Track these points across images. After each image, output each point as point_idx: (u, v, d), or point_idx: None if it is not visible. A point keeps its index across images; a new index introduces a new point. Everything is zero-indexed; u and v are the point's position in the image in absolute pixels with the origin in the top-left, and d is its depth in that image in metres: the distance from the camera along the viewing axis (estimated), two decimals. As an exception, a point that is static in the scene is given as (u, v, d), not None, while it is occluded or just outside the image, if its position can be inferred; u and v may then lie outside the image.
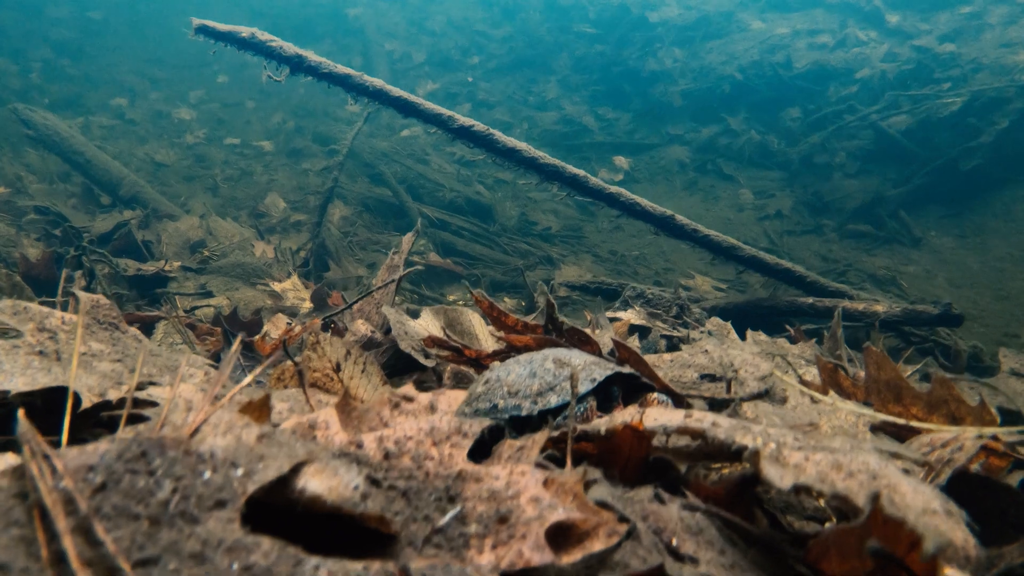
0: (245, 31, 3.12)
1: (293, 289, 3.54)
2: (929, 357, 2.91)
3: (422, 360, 1.41)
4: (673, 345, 2.19)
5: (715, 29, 10.78)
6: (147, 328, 2.58)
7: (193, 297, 3.66)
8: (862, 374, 1.64)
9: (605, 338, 1.50)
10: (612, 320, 2.31)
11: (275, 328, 2.26)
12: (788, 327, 2.73)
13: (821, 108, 8.73)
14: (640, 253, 7.31)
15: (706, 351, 1.44)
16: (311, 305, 3.49)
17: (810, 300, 2.90)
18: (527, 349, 1.40)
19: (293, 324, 2.26)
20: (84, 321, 1.19)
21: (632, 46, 10.84)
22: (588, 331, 1.45)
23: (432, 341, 1.47)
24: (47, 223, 4.93)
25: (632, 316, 2.25)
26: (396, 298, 2.75)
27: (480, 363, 1.47)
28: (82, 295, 1.22)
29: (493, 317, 1.56)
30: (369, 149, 8.97)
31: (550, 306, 1.46)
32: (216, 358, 1.56)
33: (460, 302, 6.07)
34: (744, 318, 3.09)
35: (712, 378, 1.37)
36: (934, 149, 7.81)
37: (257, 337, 1.82)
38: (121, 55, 13.09)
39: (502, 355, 1.43)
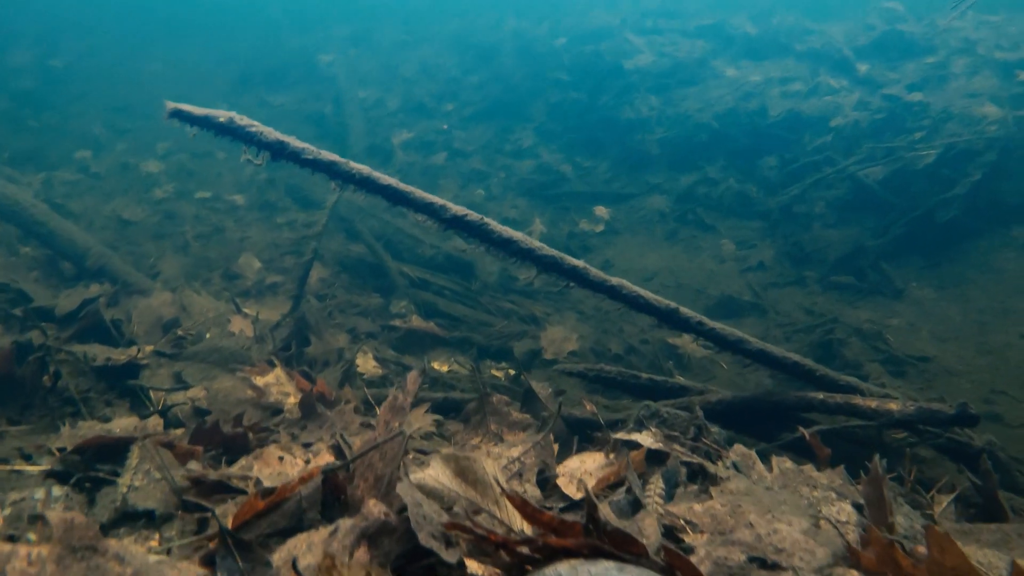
0: (222, 115, 2.97)
1: (276, 383, 3.34)
2: (965, 482, 2.79)
3: (444, 555, 1.25)
4: (694, 472, 2.05)
5: (689, 76, 10.85)
6: (120, 452, 2.38)
7: (168, 392, 3.45)
8: (921, 549, 1.51)
9: (647, 527, 1.35)
10: (626, 444, 2.17)
11: (265, 466, 2.08)
12: (801, 428, 2.60)
13: (798, 157, 8.76)
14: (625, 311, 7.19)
15: (749, 524, 1.30)
16: (295, 400, 3.30)
17: (820, 396, 2.78)
18: (564, 550, 1.25)
19: (284, 459, 2.08)
20: (56, 554, 1.01)
21: (608, 93, 10.86)
22: (632, 531, 1.30)
23: (453, 526, 1.32)
24: (6, 301, 4.68)
25: (649, 440, 2.11)
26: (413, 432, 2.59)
27: (508, 548, 1.31)
28: (54, 517, 1.05)
29: (527, 514, 1.40)
30: (345, 203, 8.80)
31: (591, 506, 1.30)
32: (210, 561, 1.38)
33: (445, 367, 5.91)
34: (752, 415, 2.97)
35: (763, 563, 1.23)
36: (911, 199, 7.85)
37: (250, 496, 1.64)
38: (85, 104, 12.85)
39: (533, 548, 1.27)
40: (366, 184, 2.95)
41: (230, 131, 3.02)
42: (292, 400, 3.35)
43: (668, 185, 9.29)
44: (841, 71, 10.20)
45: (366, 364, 5.14)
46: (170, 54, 17.58)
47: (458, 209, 2.93)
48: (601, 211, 8.83)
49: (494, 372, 5.86)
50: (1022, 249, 7.48)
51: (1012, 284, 7.23)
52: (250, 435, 2.55)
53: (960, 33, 10.41)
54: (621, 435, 2.20)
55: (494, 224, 2.93)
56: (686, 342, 6.49)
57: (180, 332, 4.27)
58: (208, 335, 4.40)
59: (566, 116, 10.89)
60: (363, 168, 2.95)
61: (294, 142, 2.99)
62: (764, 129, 9.30)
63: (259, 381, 3.32)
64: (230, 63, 15.90)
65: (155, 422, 2.74)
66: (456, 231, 2.96)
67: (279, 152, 3.00)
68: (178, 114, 3.07)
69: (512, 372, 5.31)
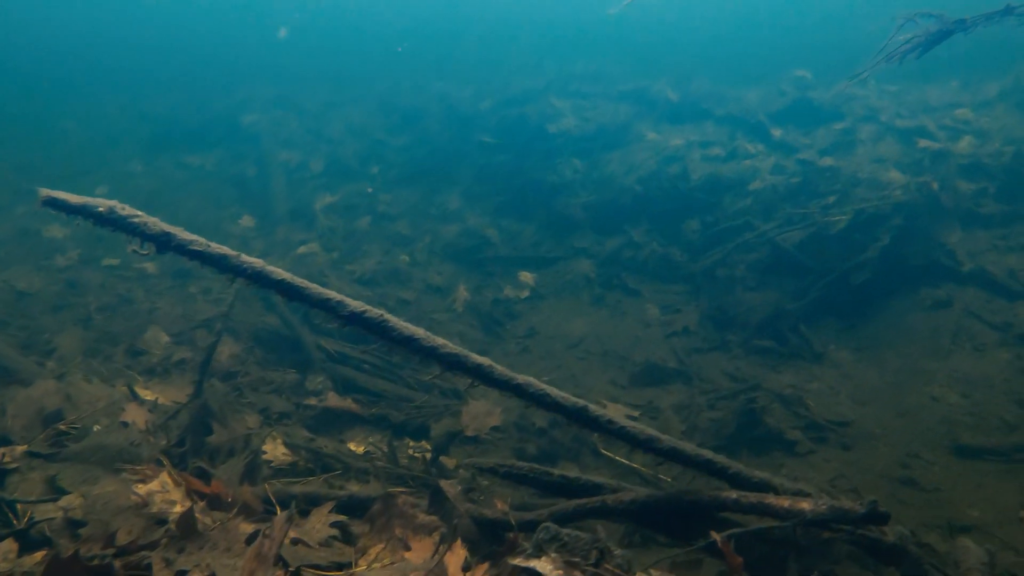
0: (103, 205, 2.76)
1: (161, 491, 3.07)
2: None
3: None
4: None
5: (613, 140, 11.02)
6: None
7: (35, 503, 3.13)
8: None
9: None
10: (524, 572, 2.01)
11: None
12: (714, 533, 2.49)
13: (719, 221, 8.91)
14: (549, 379, 7.07)
15: None
16: (182, 508, 3.03)
17: (734, 495, 2.68)
18: None
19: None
20: None
21: (533, 156, 10.93)
22: None
23: None
24: None
25: (548, 567, 1.96)
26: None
27: None
28: None
29: None
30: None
31: None
32: None
33: (362, 448, 5.65)
34: (667, 517, 2.85)
35: None
36: (826, 262, 8.03)
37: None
38: (-14, 164, 12.28)
39: None
40: (259, 279, 2.76)
41: (111, 222, 2.81)
42: (179, 508, 3.08)
43: (594, 249, 9.31)
44: (757, 136, 10.52)
45: (275, 451, 4.86)
46: (84, 110, 17.09)
47: (356, 305, 2.77)
48: (526, 277, 8.77)
49: (412, 451, 5.64)
50: (930, 309, 7.70)
51: (922, 344, 7.41)
52: (117, 566, 2.29)
53: (865, 101, 10.90)
54: (518, 561, 2.04)
55: (394, 321, 2.78)
56: (611, 414, 6.39)
57: (62, 426, 3.93)
58: (95, 428, 4.07)
59: (492, 179, 10.90)
60: (255, 262, 2.77)
61: (181, 234, 2.79)
62: (686, 192, 9.46)
63: (142, 490, 3.04)
64: (148, 121, 15.51)
65: (8, 547, 2.44)
66: (355, 328, 2.79)
67: (164, 244, 2.79)
68: (52, 203, 2.84)
69: (429, 456, 5.11)
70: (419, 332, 2.74)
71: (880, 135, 9.84)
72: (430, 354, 2.74)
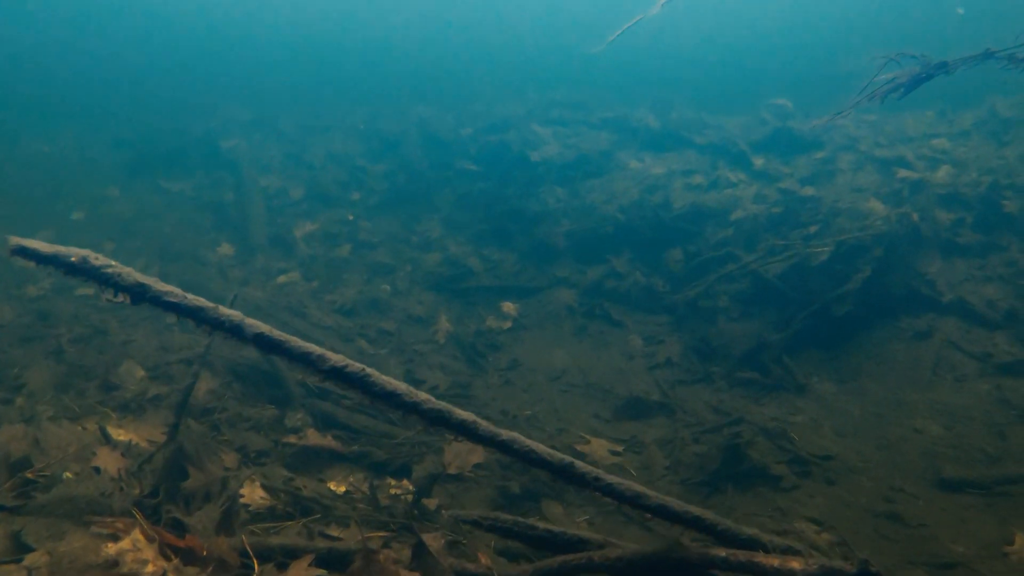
0: (75, 255, 2.67)
1: (132, 549, 2.96)
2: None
3: None
4: None
5: (595, 168, 11.04)
6: None
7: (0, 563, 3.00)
8: None
9: None
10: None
11: None
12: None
13: (702, 251, 8.92)
14: (532, 413, 7.00)
15: None
16: (154, 568, 2.92)
17: (723, 553, 2.62)
18: None
19: None
20: None
21: (515, 184, 10.91)
22: None
23: None
24: None
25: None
26: None
27: None
28: None
29: None
30: (243, 301, 8.39)
31: None
32: None
33: (342, 487, 5.53)
34: (655, 573, 2.78)
35: None
36: (808, 293, 8.05)
37: None
38: (-44, 189, 12.06)
39: None
40: (236, 332, 2.68)
41: (84, 272, 2.73)
42: (151, 568, 2.96)
43: (576, 278, 9.28)
44: (739, 164, 10.58)
45: (253, 494, 4.73)
46: (59, 133, 16.89)
47: (336, 359, 2.70)
48: (509, 307, 8.71)
49: (394, 490, 5.53)
50: (910, 340, 7.74)
51: (904, 375, 7.43)
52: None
53: (844, 130, 11.02)
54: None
55: (376, 376, 2.71)
56: (594, 449, 6.32)
57: (30, 475, 3.80)
58: (65, 475, 3.94)
59: (473, 207, 10.86)
60: (233, 314, 2.69)
61: (156, 285, 2.71)
62: (668, 222, 9.47)
63: (112, 548, 2.93)
64: (124, 146, 15.33)
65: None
66: (335, 383, 2.71)
67: (139, 295, 2.71)
68: (23, 251, 2.75)
69: (411, 497, 4.99)
70: (402, 387, 2.67)
71: (860, 164, 9.92)
72: (413, 409, 2.67)
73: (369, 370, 2.69)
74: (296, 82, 24.39)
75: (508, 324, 8.55)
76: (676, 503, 2.75)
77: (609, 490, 2.70)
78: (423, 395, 2.71)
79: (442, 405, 2.71)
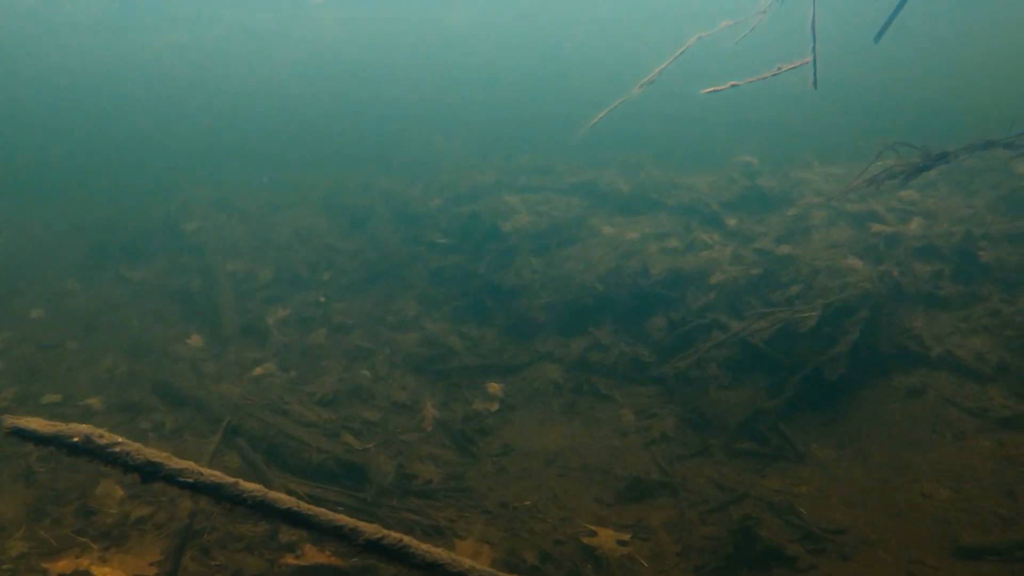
0: (77, 433, 2.43)
1: None
2: None
3: None
4: None
5: (568, 235, 10.96)
6: None
7: None
8: None
9: None
10: None
11: None
12: None
13: (685, 318, 8.82)
14: (532, 503, 6.73)
15: None
16: None
17: None
18: None
19: None
20: None
21: (489, 256, 10.77)
22: None
23: None
24: None
25: None
26: None
27: None
28: None
29: None
30: (219, 397, 8.05)
31: None
32: None
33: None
34: None
35: None
36: (798, 357, 7.97)
37: None
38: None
39: None
40: (261, 508, 2.43)
41: (88, 452, 2.47)
42: None
43: (559, 352, 9.10)
44: (712, 225, 10.60)
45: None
46: (13, 219, 16.41)
47: (371, 530, 2.46)
48: (495, 388, 8.48)
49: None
50: (905, 398, 7.68)
51: (903, 436, 7.34)
52: None
53: (812, 185, 11.15)
54: None
55: (416, 545, 2.46)
56: (602, 541, 6.07)
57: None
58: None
59: (448, 282, 10.68)
60: (256, 489, 2.44)
61: (169, 462, 2.46)
62: (648, 289, 9.38)
63: None
64: (84, 232, 14.92)
65: None
66: (371, 556, 2.46)
67: (151, 475, 2.45)
68: (20, 432, 2.50)
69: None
70: (444, 556, 2.43)
71: (832, 220, 10.00)
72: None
73: (407, 540, 2.45)
74: (257, 151, 24.20)
75: (495, 406, 8.31)
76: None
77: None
78: (467, 562, 2.48)
79: (488, 571, 2.47)
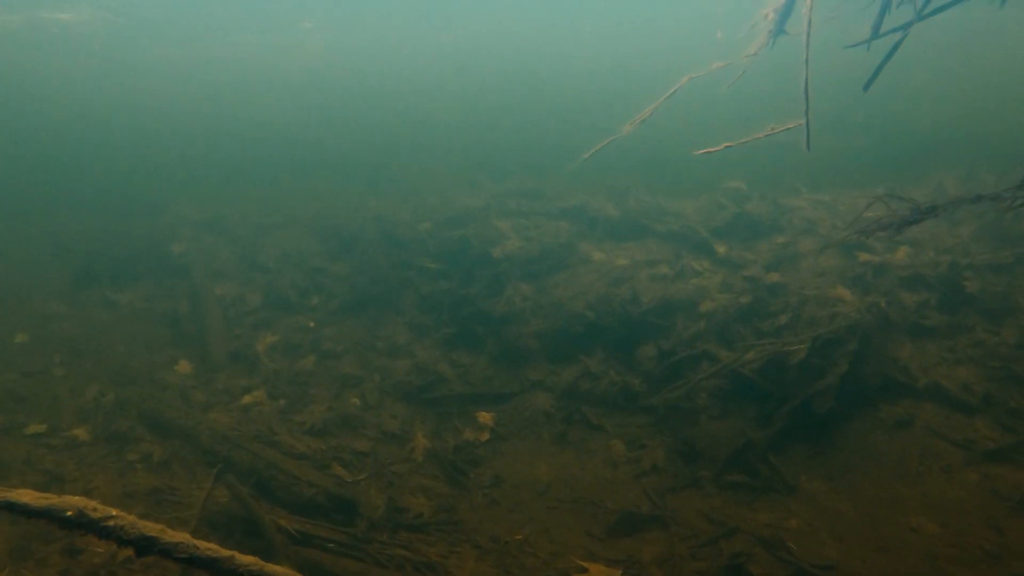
0: (70, 507, 2.40)
1: None
2: None
3: None
4: None
5: (558, 262, 11.00)
6: None
7: None
8: None
9: None
10: None
11: None
12: None
13: (675, 348, 8.85)
14: (523, 537, 6.72)
15: None
16: None
17: None
18: None
19: None
20: None
21: (479, 283, 10.78)
22: None
23: None
24: None
25: None
26: None
27: None
28: None
29: None
30: (207, 427, 7.99)
31: None
32: None
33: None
34: None
35: None
36: (787, 388, 8.01)
37: None
38: None
39: None
40: (255, 578, 2.42)
41: (81, 526, 2.45)
42: None
43: (550, 381, 9.11)
44: (702, 252, 10.66)
45: None
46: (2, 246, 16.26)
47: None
48: (485, 417, 8.47)
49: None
50: (892, 430, 7.74)
51: (891, 468, 7.39)
52: None
53: (801, 212, 11.25)
54: None
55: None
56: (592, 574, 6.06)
57: None
58: None
59: (438, 308, 10.67)
60: (252, 562, 2.44)
61: (164, 535, 2.44)
62: (638, 317, 9.42)
63: None
64: (68, 254, 14.79)
65: None
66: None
67: (146, 549, 2.43)
68: (9, 507, 2.46)
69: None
70: None
71: (821, 248, 10.09)
72: None
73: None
74: (245, 171, 24.15)
75: (486, 436, 8.30)
76: None
77: None
78: None
79: None
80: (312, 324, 10.85)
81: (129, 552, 2.54)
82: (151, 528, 2.48)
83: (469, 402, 8.93)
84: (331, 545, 6.16)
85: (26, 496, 2.44)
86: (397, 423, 8.58)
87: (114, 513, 2.50)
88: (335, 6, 22.06)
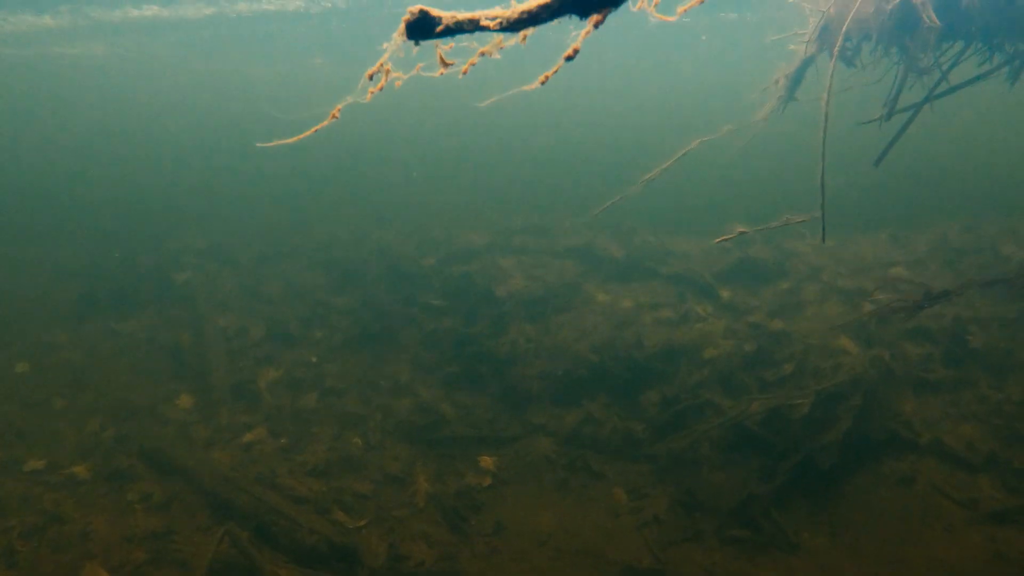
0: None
1: None
2: None
3: None
4: None
5: (563, 302, 11.01)
6: None
7: None
8: None
9: None
10: None
11: None
12: None
13: (679, 395, 8.84)
14: (525, 589, 6.67)
15: None
16: None
17: None
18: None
19: None
20: None
21: (482, 321, 10.78)
22: None
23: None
24: None
25: None
26: None
27: None
28: None
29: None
30: (209, 468, 7.96)
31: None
32: None
33: None
34: None
35: None
36: (790, 440, 7.99)
37: None
38: None
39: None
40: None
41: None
42: None
43: (552, 425, 9.08)
44: (705, 296, 10.68)
45: None
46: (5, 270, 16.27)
47: None
48: (487, 462, 8.44)
49: None
50: (895, 486, 7.71)
51: (895, 527, 7.34)
52: None
53: (805, 258, 11.28)
54: None
55: None
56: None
57: None
58: None
59: (441, 346, 10.67)
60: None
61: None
62: (642, 362, 9.41)
63: None
64: (71, 280, 14.84)
65: None
66: None
67: None
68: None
69: None
70: None
71: (824, 295, 10.11)
72: None
73: None
74: (250, 200, 24.23)
75: (488, 481, 8.26)
76: None
77: None
78: None
79: None
80: (314, 359, 10.83)
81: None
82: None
83: (471, 445, 8.89)
84: (331, 596, 6.11)
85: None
86: (399, 465, 8.54)
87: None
88: (350, 43, 22.23)
